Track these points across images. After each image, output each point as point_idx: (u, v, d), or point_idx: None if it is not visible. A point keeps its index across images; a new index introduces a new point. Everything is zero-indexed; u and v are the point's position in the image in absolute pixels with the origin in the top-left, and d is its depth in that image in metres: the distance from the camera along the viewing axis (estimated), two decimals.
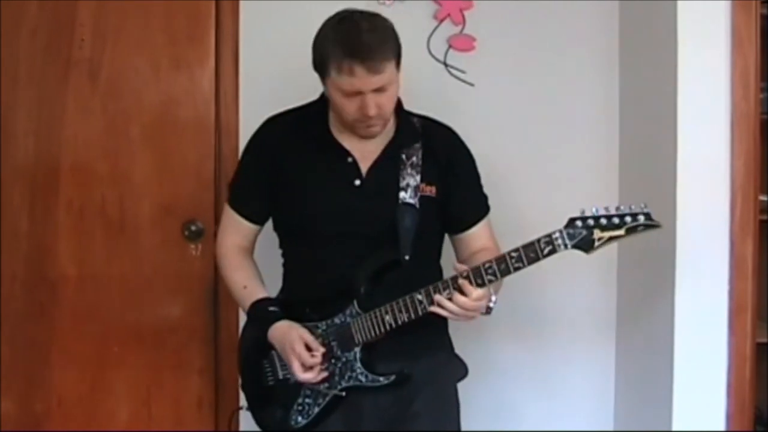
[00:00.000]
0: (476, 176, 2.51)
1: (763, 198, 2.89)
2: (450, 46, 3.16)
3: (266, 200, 2.47)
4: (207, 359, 3.29)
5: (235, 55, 3.21)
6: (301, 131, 2.42)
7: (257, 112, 3.02)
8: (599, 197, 3.13)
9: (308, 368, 2.31)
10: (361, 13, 2.31)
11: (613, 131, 3.21)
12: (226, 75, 3.22)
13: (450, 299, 2.19)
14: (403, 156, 2.39)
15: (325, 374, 2.33)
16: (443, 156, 2.43)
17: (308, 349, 2.32)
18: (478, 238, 2.47)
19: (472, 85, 3.17)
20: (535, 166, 3.21)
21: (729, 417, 2.74)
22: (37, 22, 3.21)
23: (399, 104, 2.44)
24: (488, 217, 2.51)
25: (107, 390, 3.29)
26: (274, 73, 3.14)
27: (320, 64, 2.27)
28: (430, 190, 2.38)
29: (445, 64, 3.17)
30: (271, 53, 3.17)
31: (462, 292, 2.18)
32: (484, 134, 2.78)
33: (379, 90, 2.24)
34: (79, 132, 3.24)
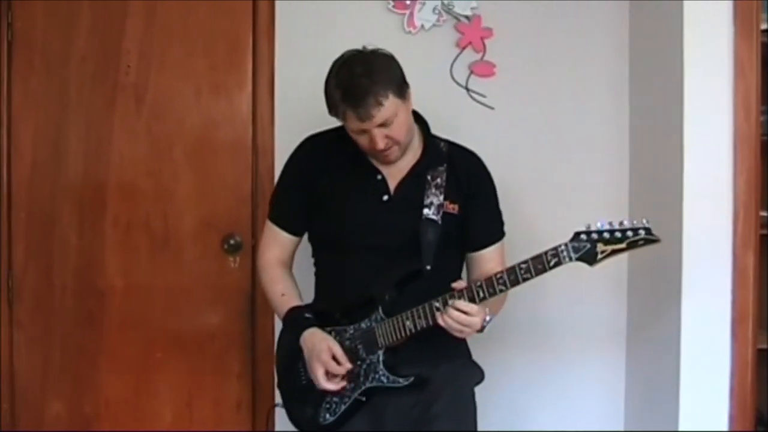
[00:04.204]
0: (495, 201, 2.59)
1: (763, 213, 2.91)
2: (471, 72, 3.24)
3: (303, 212, 2.56)
4: (245, 364, 3.36)
5: (271, 81, 3.29)
6: (337, 150, 2.51)
7: (291, 134, 3.10)
8: (610, 214, 3.12)
9: (332, 377, 2.41)
10: (360, 54, 2.40)
11: (623, 152, 3.26)
12: (262, 99, 3.30)
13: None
14: (429, 177, 2.48)
15: (343, 383, 2.43)
16: (465, 178, 2.51)
17: (335, 361, 2.41)
18: (489, 260, 2.52)
19: (492, 108, 3.23)
20: (550, 184, 3.26)
21: (732, 418, 2.77)
22: (85, 51, 3.32)
23: (426, 128, 2.56)
24: (502, 243, 2.58)
25: (152, 393, 3.37)
26: (307, 97, 3.03)
27: (328, 107, 2.40)
28: (453, 208, 2.47)
29: (467, 89, 3.24)
30: (305, 79, 3.09)
31: (473, 300, 2.28)
32: (503, 155, 2.85)
33: (383, 125, 2.34)
34: (125, 152, 3.33)
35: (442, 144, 2.57)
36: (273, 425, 3.02)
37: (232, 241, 3.34)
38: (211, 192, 3.36)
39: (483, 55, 3.25)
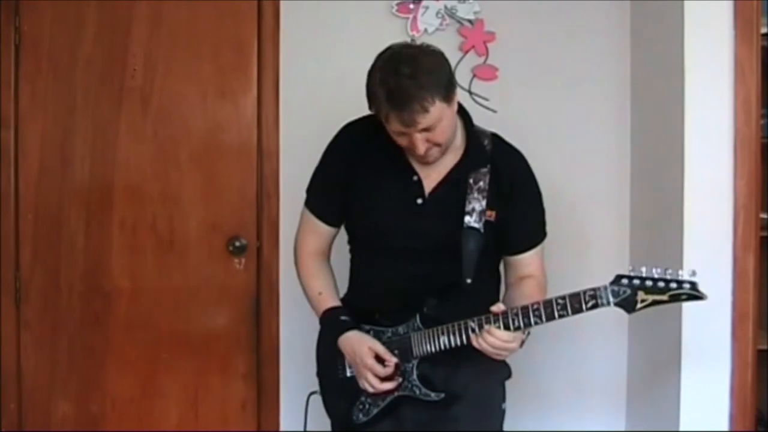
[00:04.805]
0: (538, 204, 2.46)
1: (763, 216, 2.92)
2: (474, 76, 3.27)
3: (340, 204, 2.45)
4: (250, 365, 3.39)
5: (275, 84, 3.31)
6: (374, 143, 2.36)
7: (296, 137, 3.19)
8: (612, 216, 3.26)
9: (383, 379, 2.35)
10: (408, 50, 2.24)
11: (624, 155, 3.29)
12: (267, 103, 3.32)
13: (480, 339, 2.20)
14: (471, 180, 2.34)
15: (399, 380, 2.36)
16: (507, 182, 2.37)
17: (380, 360, 2.35)
18: (527, 265, 2.43)
19: (494, 111, 3.24)
20: (551, 187, 3.03)
21: (732, 418, 2.79)
22: (92, 54, 3.34)
23: (469, 122, 2.41)
24: (542, 246, 2.46)
25: (158, 393, 3.40)
26: (311, 100, 3.25)
27: (368, 101, 2.23)
28: (490, 215, 2.33)
29: (470, 92, 3.26)
30: (309, 83, 3.27)
31: (507, 327, 2.18)
32: None
33: (426, 129, 2.19)
34: (131, 155, 3.35)
35: (486, 141, 2.42)
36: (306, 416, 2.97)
37: (237, 243, 3.36)
38: (216, 194, 3.38)
39: (486, 59, 3.29)
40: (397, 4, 3.27)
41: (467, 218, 2.32)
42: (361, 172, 2.41)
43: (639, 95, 3.25)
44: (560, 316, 2.16)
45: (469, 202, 2.33)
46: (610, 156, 3.33)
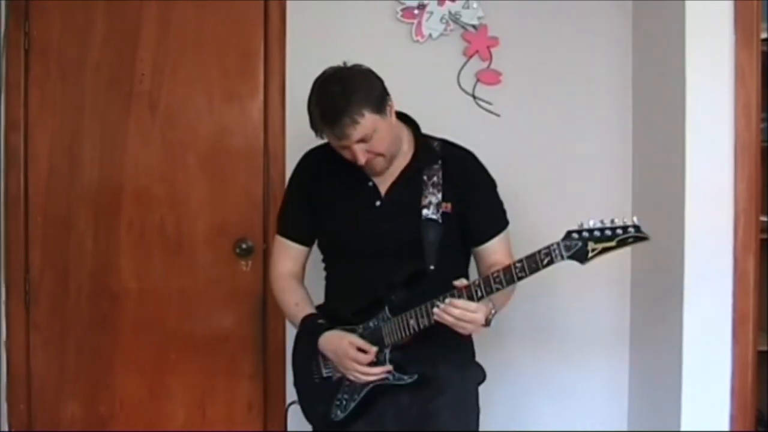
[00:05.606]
0: (493, 194, 2.59)
1: (763, 219, 2.94)
2: (478, 80, 3.29)
3: (310, 222, 2.62)
4: (256, 366, 3.41)
5: (282, 88, 3.34)
6: (333, 161, 2.52)
7: (302, 140, 3.13)
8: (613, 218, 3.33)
9: (368, 367, 2.45)
10: (339, 71, 2.44)
11: (626, 159, 3.29)
12: (273, 107, 3.35)
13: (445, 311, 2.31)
14: (425, 177, 2.50)
15: (387, 367, 2.45)
16: (459, 176, 2.52)
17: (361, 351, 2.45)
18: (494, 252, 2.54)
19: (498, 115, 3.28)
20: (554, 190, 3.29)
21: (733, 419, 2.80)
22: (100, 59, 3.37)
23: (417, 130, 2.58)
24: (506, 233, 2.58)
25: (165, 394, 3.43)
26: None
27: (310, 124, 2.43)
28: (446, 207, 2.47)
29: (474, 97, 3.29)
30: None
31: (471, 298, 2.30)
32: (508, 160, 2.88)
33: (362, 141, 2.38)
34: (139, 159, 3.39)
35: (435, 143, 2.59)
36: (286, 425, 3.05)
37: (244, 245, 3.39)
38: (223, 197, 3.41)
39: (489, 64, 3.30)
40: (402, 10, 3.30)
41: (425, 211, 2.47)
42: (324, 188, 2.59)
43: (640, 99, 3.26)
44: (519, 278, 2.26)
45: (426, 197, 2.49)
46: (612, 159, 3.33)
